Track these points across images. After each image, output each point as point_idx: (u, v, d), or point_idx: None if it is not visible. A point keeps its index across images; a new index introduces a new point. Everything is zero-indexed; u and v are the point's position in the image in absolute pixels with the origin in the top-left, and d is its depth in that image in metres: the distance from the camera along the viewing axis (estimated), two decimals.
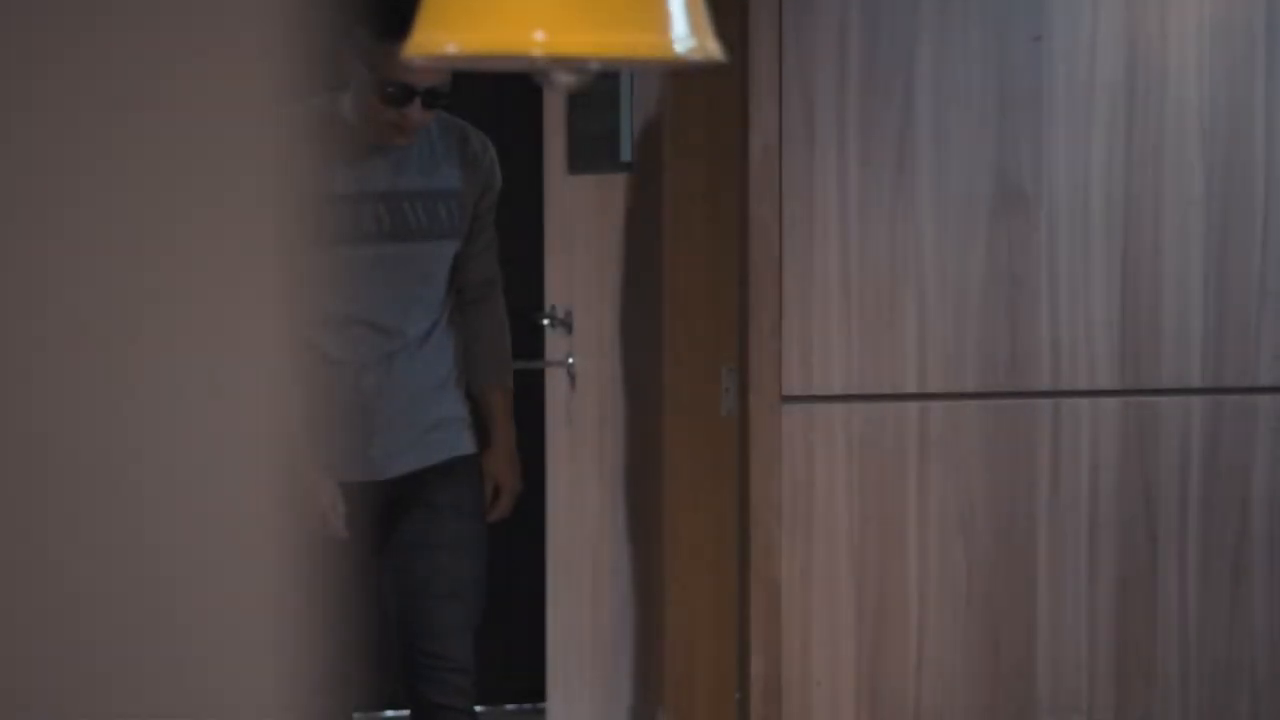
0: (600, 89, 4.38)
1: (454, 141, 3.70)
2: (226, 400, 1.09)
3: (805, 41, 3.72)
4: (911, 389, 3.81)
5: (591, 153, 4.56)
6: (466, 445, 3.83)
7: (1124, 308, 3.89)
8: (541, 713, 5.51)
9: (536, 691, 5.44)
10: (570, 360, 4.77)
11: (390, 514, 3.76)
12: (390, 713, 5.76)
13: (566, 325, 4.84)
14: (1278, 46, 3.93)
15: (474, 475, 3.82)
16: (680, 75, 3.94)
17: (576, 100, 4.68)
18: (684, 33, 1.90)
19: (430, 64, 3.24)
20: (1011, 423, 3.86)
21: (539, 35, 1.87)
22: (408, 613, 3.83)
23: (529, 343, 5.21)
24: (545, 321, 5.03)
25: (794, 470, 3.78)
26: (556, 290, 5.03)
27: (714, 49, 1.97)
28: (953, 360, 3.82)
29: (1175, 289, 3.92)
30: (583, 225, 4.75)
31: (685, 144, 3.95)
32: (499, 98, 6.04)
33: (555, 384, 4.98)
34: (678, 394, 4.00)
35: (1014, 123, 3.81)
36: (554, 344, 5.00)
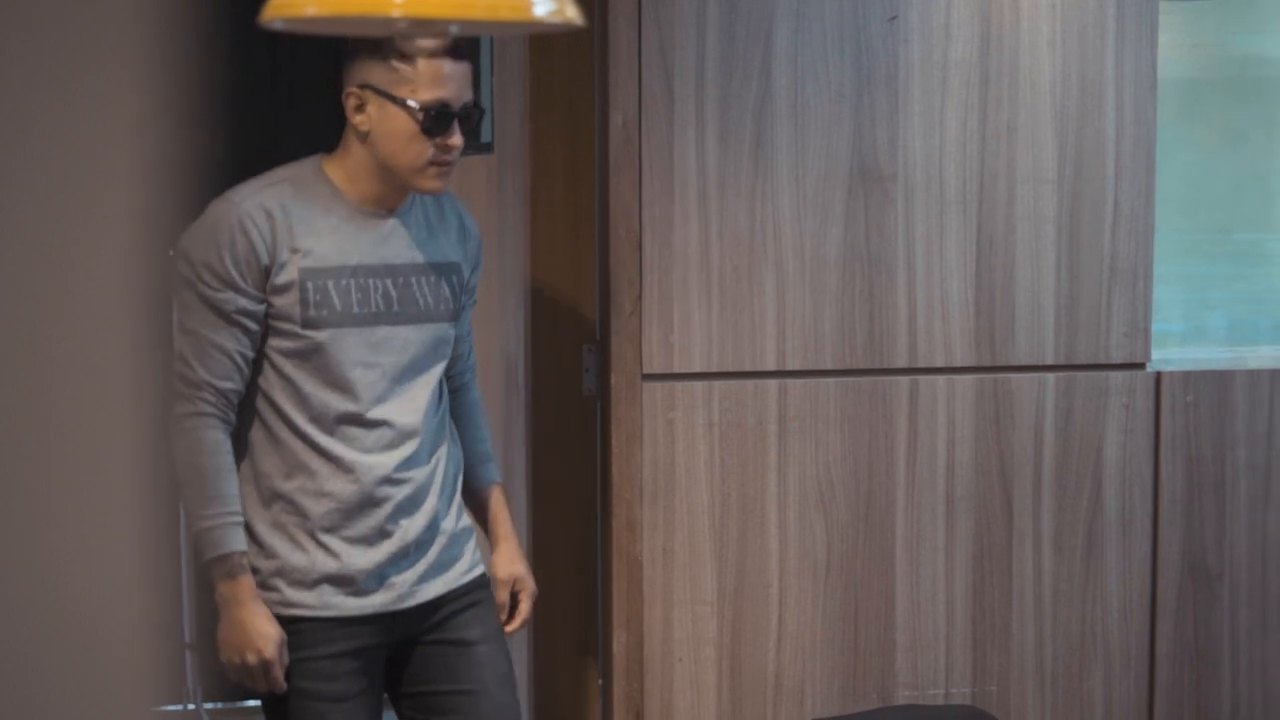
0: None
1: (447, 207, 3.22)
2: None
3: (664, 19, 3.73)
4: (771, 366, 3.84)
5: None
6: (480, 562, 3.25)
7: (979, 286, 3.95)
8: None
9: None
10: None
11: (401, 656, 3.15)
12: None
13: None
14: (1127, 26, 4.01)
15: (491, 597, 3.24)
16: (540, 54, 3.95)
17: None
18: None
19: (452, 72, 2.98)
20: (869, 399, 3.90)
21: None
22: None
23: None
24: None
25: (655, 448, 3.79)
26: None
27: (574, 14, 1.97)
28: (811, 338, 3.86)
29: (1029, 267, 3.98)
30: None
31: (545, 124, 3.95)
32: None
33: None
34: (541, 373, 4.00)
35: (870, 101, 3.85)
36: None
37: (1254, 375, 4.18)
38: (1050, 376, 4.01)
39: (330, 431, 2.99)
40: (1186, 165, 4.41)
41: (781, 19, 3.79)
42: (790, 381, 3.86)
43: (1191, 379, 4.12)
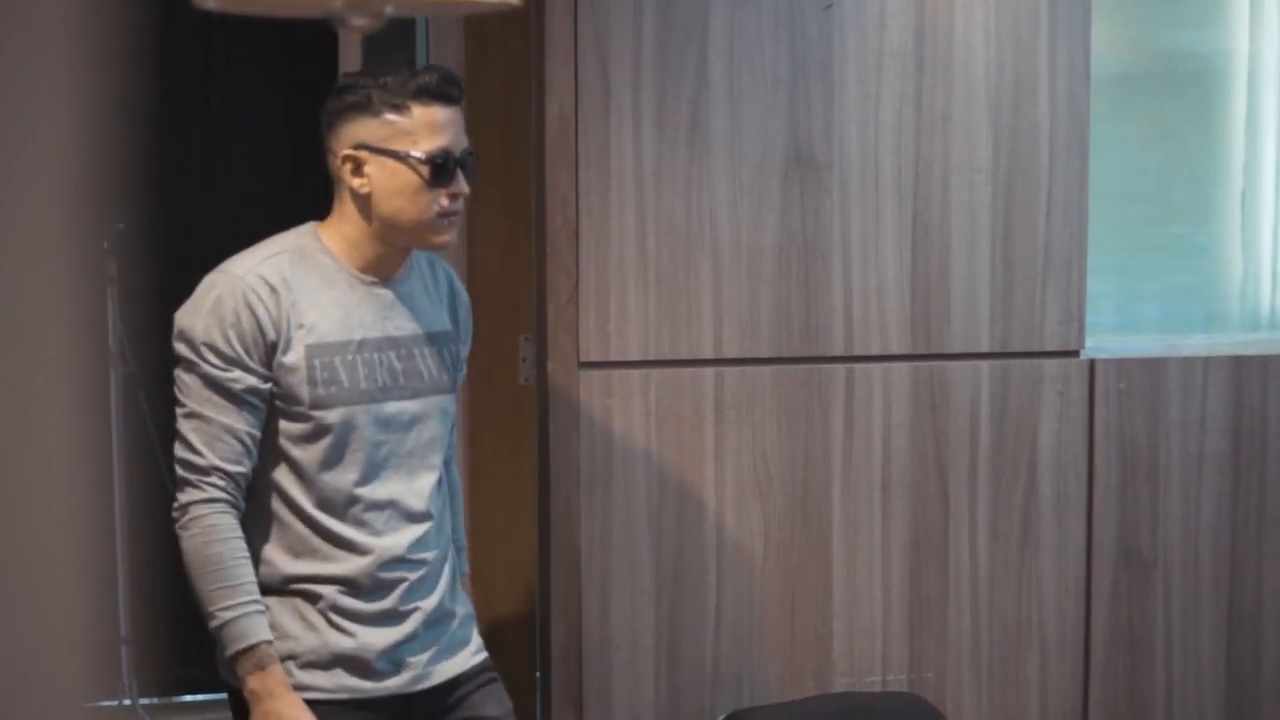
0: (397, 60, 4.36)
1: (440, 274, 3.10)
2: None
3: (600, 9, 3.73)
4: (708, 354, 3.85)
5: None
6: (483, 645, 3.17)
7: (914, 274, 3.96)
8: None
9: None
10: None
11: None
12: None
13: None
14: (1061, 17, 4.03)
15: (498, 677, 3.13)
16: (476, 45, 3.93)
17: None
18: None
19: (448, 119, 2.87)
20: (806, 387, 3.91)
21: None
22: None
23: None
24: None
25: (592, 436, 3.79)
26: None
27: None
28: (748, 326, 3.86)
29: (964, 256, 4.00)
30: None
31: (482, 114, 3.94)
32: (293, 72, 5.98)
33: None
34: (478, 363, 3.99)
35: (806, 90, 3.86)
36: None
37: (1187, 363, 4.21)
38: (985, 364, 4.03)
39: (339, 515, 2.86)
40: (1119, 159, 4.44)
41: (717, 7, 3.80)
42: (727, 369, 3.86)
43: (1125, 366, 4.15)
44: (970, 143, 3.99)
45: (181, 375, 2.82)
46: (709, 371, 3.85)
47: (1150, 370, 4.18)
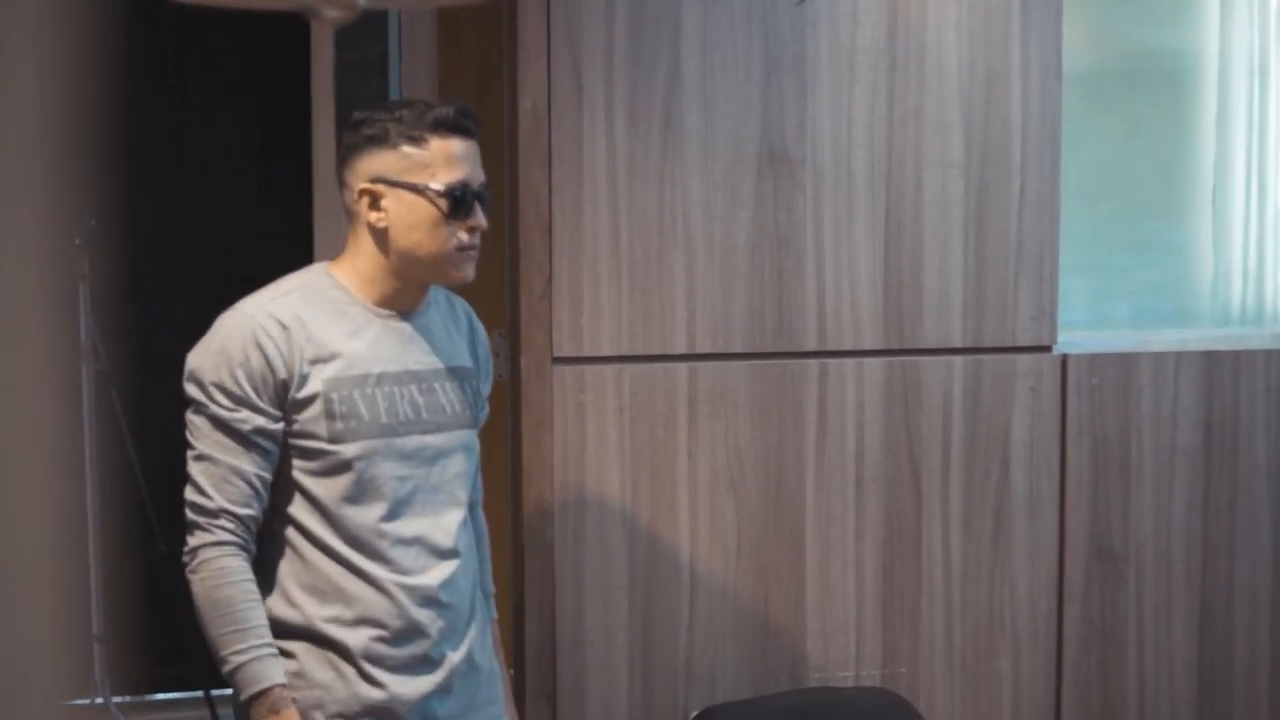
0: (369, 54, 4.36)
1: (459, 310, 3.06)
2: None
3: (573, 5, 3.72)
4: (681, 350, 3.85)
5: None
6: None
7: (887, 269, 3.97)
8: None
9: None
10: None
11: None
12: None
13: None
14: (1033, 13, 4.04)
15: None
16: (449, 41, 3.93)
17: (345, 66, 4.63)
18: None
19: (465, 151, 2.83)
20: (779, 383, 3.91)
21: None
22: None
23: None
24: None
25: (565, 432, 3.79)
26: (327, 259, 4.98)
27: None
28: (721, 321, 3.86)
29: (936, 251, 4.00)
30: None
31: None
32: (266, 64, 5.97)
33: None
34: None
35: (779, 86, 3.86)
36: None
37: (1158, 358, 4.23)
38: (958, 360, 4.04)
39: (366, 552, 2.80)
40: (1090, 157, 4.45)
41: (690, 3, 3.80)
42: (700, 365, 3.86)
43: (1097, 361, 4.17)
44: (943, 138, 3.99)
45: (191, 417, 2.77)
46: (682, 367, 3.85)
47: (1122, 365, 4.19)
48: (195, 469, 2.76)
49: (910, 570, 4.03)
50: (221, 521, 2.74)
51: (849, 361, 3.96)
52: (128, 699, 5.51)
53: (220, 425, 2.74)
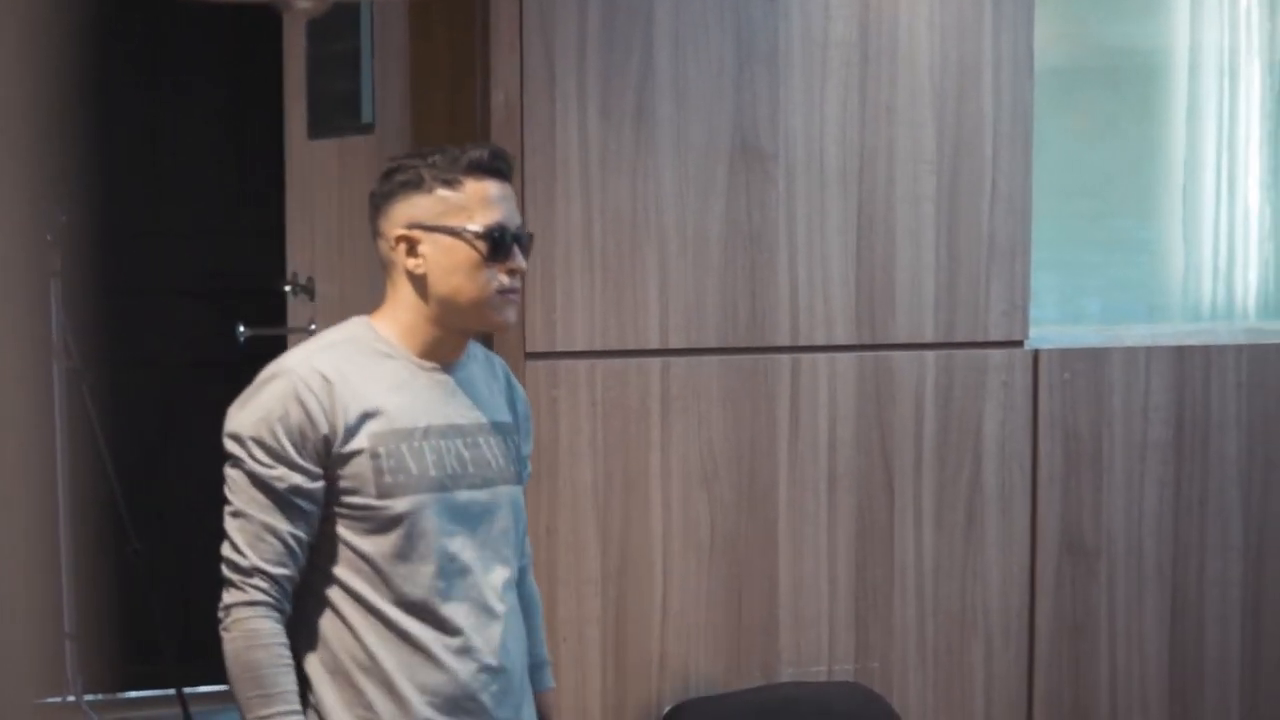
0: (341, 48, 4.34)
1: (498, 367, 3.00)
2: None
3: None
4: (654, 345, 3.84)
5: (333, 115, 4.51)
6: None
7: (859, 264, 3.97)
8: None
9: None
10: (313, 327, 4.72)
11: None
12: None
13: (309, 292, 4.79)
14: (1004, 8, 4.04)
15: None
16: (421, 33, 3.92)
17: (318, 62, 4.62)
18: None
19: (501, 193, 2.78)
20: (751, 377, 3.91)
21: None
22: None
23: (270, 310, 5.16)
24: (287, 289, 4.98)
25: (538, 427, 3.78)
26: (298, 257, 4.98)
27: None
28: (694, 316, 3.86)
29: (908, 246, 4.01)
30: (324, 191, 4.71)
31: (427, 103, 3.93)
32: (238, 60, 5.95)
33: None
34: None
35: (751, 79, 3.86)
36: (296, 311, 4.95)
37: (1129, 353, 4.24)
38: (930, 354, 4.04)
39: (415, 613, 2.73)
40: (1061, 154, 4.46)
41: None
42: (673, 360, 3.86)
43: (1068, 356, 4.18)
44: (915, 133, 4.00)
45: (229, 472, 2.71)
46: (655, 362, 3.85)
47: (1094, 360, 4.20)
48: (231, 525, 2.70)
49: (883, 565, 4.04)
50: (255, 580, 2.67)
51: (821, 356, 3.96)
52: (100, 697, 5.49)
53: (257, 482, 2.68)
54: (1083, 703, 4.24)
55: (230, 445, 2.71)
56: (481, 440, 2.83)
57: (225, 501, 2.71)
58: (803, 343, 3.95)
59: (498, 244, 2.77)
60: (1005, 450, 4.12)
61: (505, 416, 2.91)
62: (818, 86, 3.91)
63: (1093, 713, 4.25)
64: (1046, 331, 4.28)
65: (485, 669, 2.78)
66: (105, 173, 5.60)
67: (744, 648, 3.95)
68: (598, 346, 3.82)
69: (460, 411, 2.81)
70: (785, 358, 3.94)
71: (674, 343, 3.86)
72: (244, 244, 5.85)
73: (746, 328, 3.90)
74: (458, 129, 3.85)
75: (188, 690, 4.99)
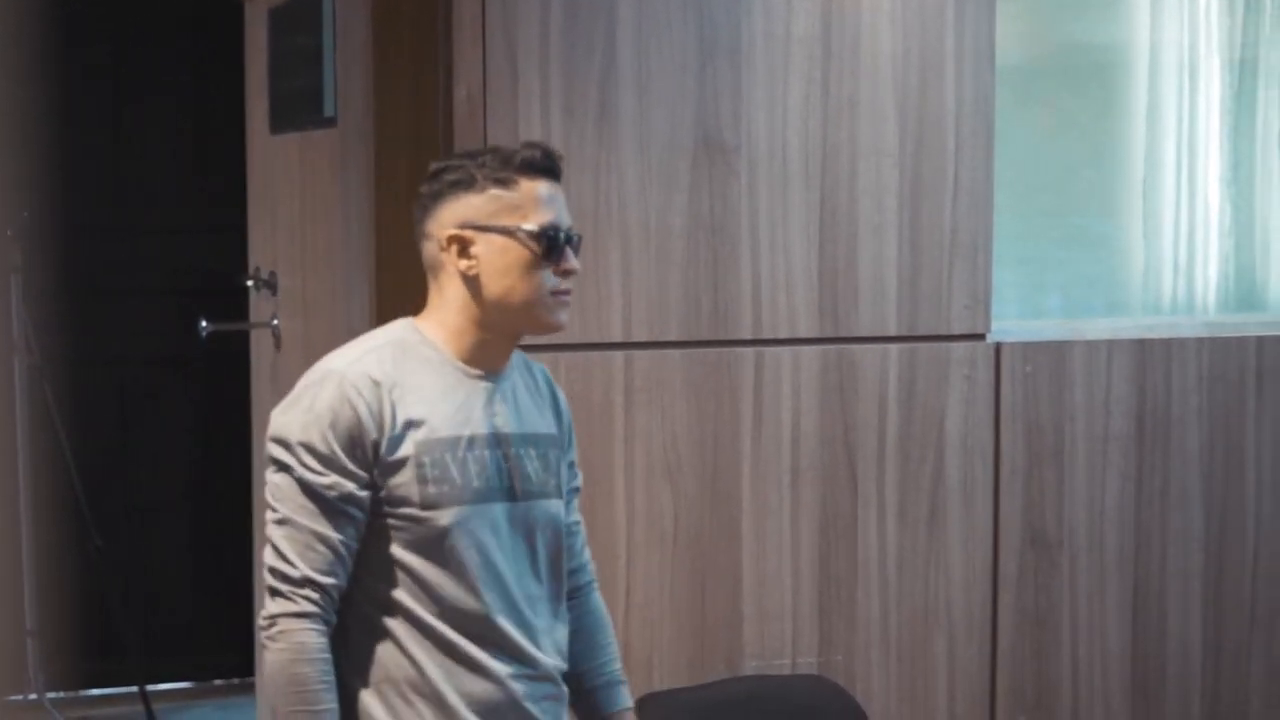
0: (304, 43, 4.34)
1: (540, 378, 2.94)
2: None
3: None
4: (617, 338, 3.85)
5: (295, 109, 4.50)
6: None
7: (822, 258, 3.98)
8: (251, 686, 5.42)
9: (246, 666, 5.36)
10: (275, 321, 4.71)
11: None
12: None
13: (271, 287, 4.77)
14: (965, 2, 4.06)
15: None
16: (384, 26, 3.92)
17: (280, 57, 4.61)
18: None
19: (553, 193, 2.76)
20: (715, 371, 3.92)
21: None
22: None
23: (233, 305, 5.14)
24: (249, 283, 4.97)
25: None
26: (260, 252, 4.97)
27: None
28: (657, 309, 3.87)
29: (871, 239, 4.02)
30: (286, 186, 4.70)
31: (389, 97, 3.93)
32: (199, 58, 5.94)
33: (261, 346, 4.92)
34: None
35: (714, 73, 3.87)
36: (258, 306, 4.94)
37: (1091, 346, 4.26)
38: (893, 348, 4.06)
39: (457, 625, 2.67)
40: (1022, 150, 4.48)
41: None
42: (636, 353, 3.87)
43: (1030, 350, 4.19)
44: (877, 127, 4.01)
45: (274, 478, 2.64)
46: (618, 355, 3.85)
47: (1055, 353, 4.22)
48: (276, 533, 2.62)
49: (846, 558, 4.05)
50: (305, 591, 2.60)
51: (785, 349, 3.97)
52: (62, 694, 5.47)
53: (306, 489, 2.60)
54: (1045, 694, 4.26)
55: (276, 450, 2.63)
56: (524, 452, 2.76)
57: (270, 509, 2.64)
58: (766, 336, 3.95)
59: (552, 244, 2.73)
60: (968, 443, 4.13)
61: (548, 428, 2.85)
62: (780, 81, 3.92)
63: (1055, 704, 4.27)
64: (1008, 325, 4.29)
65: (528, 679, 2.73)
66: (66, 168, 5.58)
67: (707, 641, 3.96)
68: (561, 340, 3.81)
69: (504, 421, 2.75)
70: (748, 351, 3.95)
71: (637, 336, 3.86)
72: (206, 239, 5.84)
73: (709, 321, 3.91)
74: (420, 124, 3.85)
75: (150, 688, 4.97)
